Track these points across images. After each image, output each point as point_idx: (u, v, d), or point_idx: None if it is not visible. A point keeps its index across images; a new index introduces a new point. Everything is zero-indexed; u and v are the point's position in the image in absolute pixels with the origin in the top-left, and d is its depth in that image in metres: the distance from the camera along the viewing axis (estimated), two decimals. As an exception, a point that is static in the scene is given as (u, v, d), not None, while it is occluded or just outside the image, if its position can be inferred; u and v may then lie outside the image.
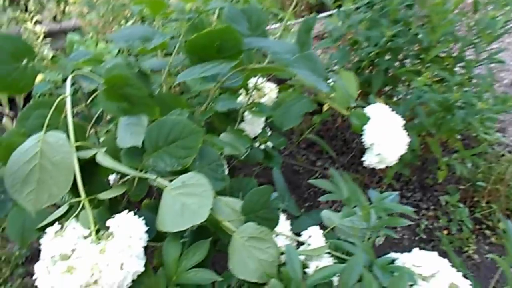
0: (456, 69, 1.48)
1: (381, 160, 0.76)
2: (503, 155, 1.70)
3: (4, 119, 1.66)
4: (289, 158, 1.97)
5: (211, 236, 0.73)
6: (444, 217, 1.58)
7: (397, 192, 0.80)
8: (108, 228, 0.58)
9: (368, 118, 0.77)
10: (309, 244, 0.73)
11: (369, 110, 0.79)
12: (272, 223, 0.73)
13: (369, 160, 0.77)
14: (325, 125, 2.05)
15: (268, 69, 0.75)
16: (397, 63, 1.51)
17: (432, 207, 1.65)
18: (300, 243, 0.89)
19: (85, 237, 0.58)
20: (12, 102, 1.80)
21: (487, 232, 1.54)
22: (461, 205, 1.51)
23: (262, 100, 1.33)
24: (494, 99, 1.29)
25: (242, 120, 1.25)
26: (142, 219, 0.60)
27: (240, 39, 0.71)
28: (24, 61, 0.66)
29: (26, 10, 2.11)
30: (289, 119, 0.72)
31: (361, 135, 0.76)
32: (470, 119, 1.26)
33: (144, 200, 0.90)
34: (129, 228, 0.57)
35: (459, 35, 1.44)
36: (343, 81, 0.77)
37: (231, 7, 0.75)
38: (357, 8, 1.51)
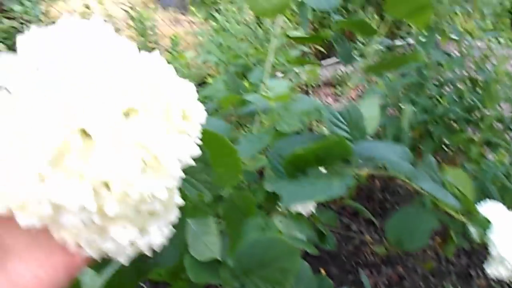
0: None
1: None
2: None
3: None
4: (322, 224, 1.85)
5: None
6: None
7: None
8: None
9: (489, 223, 0.68)
10: None
11: (485, 211, 0.70)
12: None
13: (497, 272, 0.67)
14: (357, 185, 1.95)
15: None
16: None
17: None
18: None
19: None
20: None
21: None
22: None
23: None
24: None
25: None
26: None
27: (350, 149, 0.62)
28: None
29: None
30: (413, 238, 0.62)
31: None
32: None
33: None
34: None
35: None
36: (453, 180, 0.68)
37: (329, 108, 0.66)
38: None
